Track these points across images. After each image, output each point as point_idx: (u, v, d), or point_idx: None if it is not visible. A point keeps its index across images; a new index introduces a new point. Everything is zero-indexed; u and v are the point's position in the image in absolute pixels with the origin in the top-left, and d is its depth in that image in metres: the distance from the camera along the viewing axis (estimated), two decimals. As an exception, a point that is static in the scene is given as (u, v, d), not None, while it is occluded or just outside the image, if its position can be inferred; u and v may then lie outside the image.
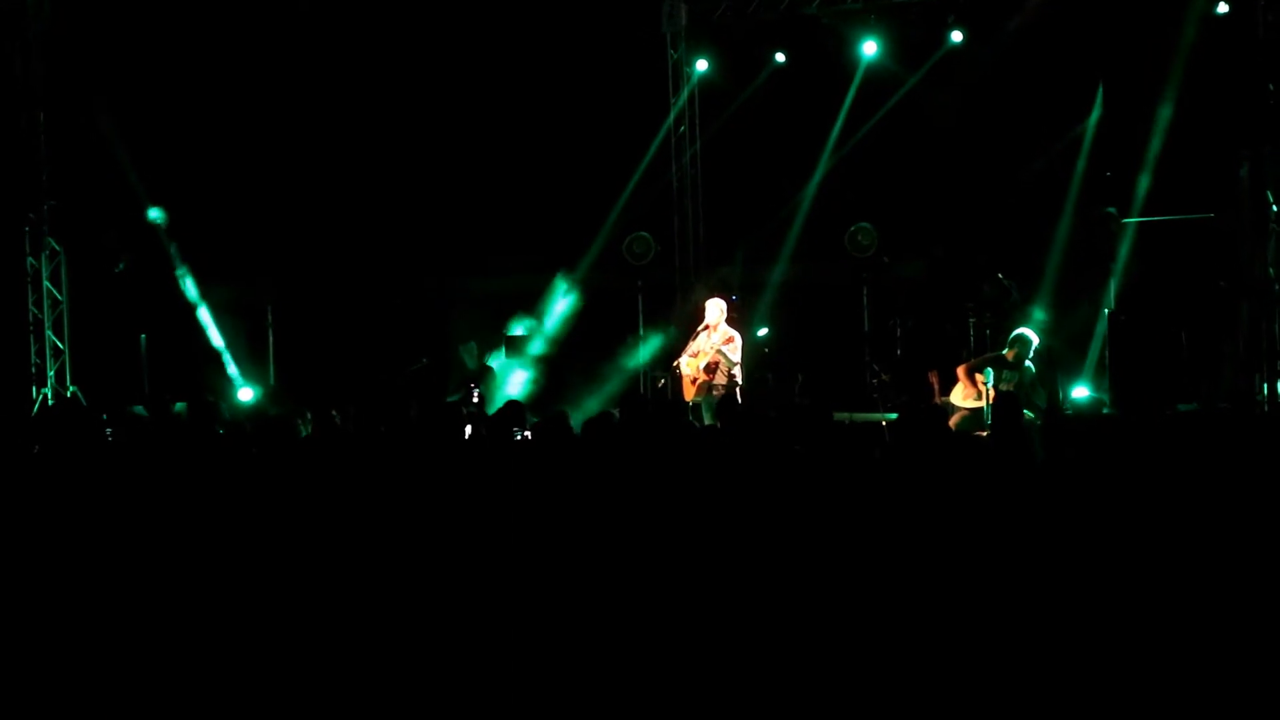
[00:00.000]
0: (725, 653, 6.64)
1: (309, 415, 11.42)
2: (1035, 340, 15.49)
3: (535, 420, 11.28)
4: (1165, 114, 17.10)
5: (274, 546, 7.81)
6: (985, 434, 13.84)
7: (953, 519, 7.24)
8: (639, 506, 7.61)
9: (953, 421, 14.99)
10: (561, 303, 19.19)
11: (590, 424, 9.45)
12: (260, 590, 7.52)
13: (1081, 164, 18.19)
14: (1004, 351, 15.58)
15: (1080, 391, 16.45)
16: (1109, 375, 16.40)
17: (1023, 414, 10.97)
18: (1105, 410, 15.34)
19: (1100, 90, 17.92)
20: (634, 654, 6.74)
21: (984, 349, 16.51)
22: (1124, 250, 17.37)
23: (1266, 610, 6.50)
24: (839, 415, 11.69)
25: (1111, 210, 17.58)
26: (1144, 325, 16.09)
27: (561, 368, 18.72)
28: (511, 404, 11.35)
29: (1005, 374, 15.23)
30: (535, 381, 18.46)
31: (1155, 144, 17.09)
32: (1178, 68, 16.97)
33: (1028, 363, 15.43)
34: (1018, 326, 15.89)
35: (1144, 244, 17.34)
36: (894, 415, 14.70)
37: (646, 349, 18.95)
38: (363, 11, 18.85)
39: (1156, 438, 8.86)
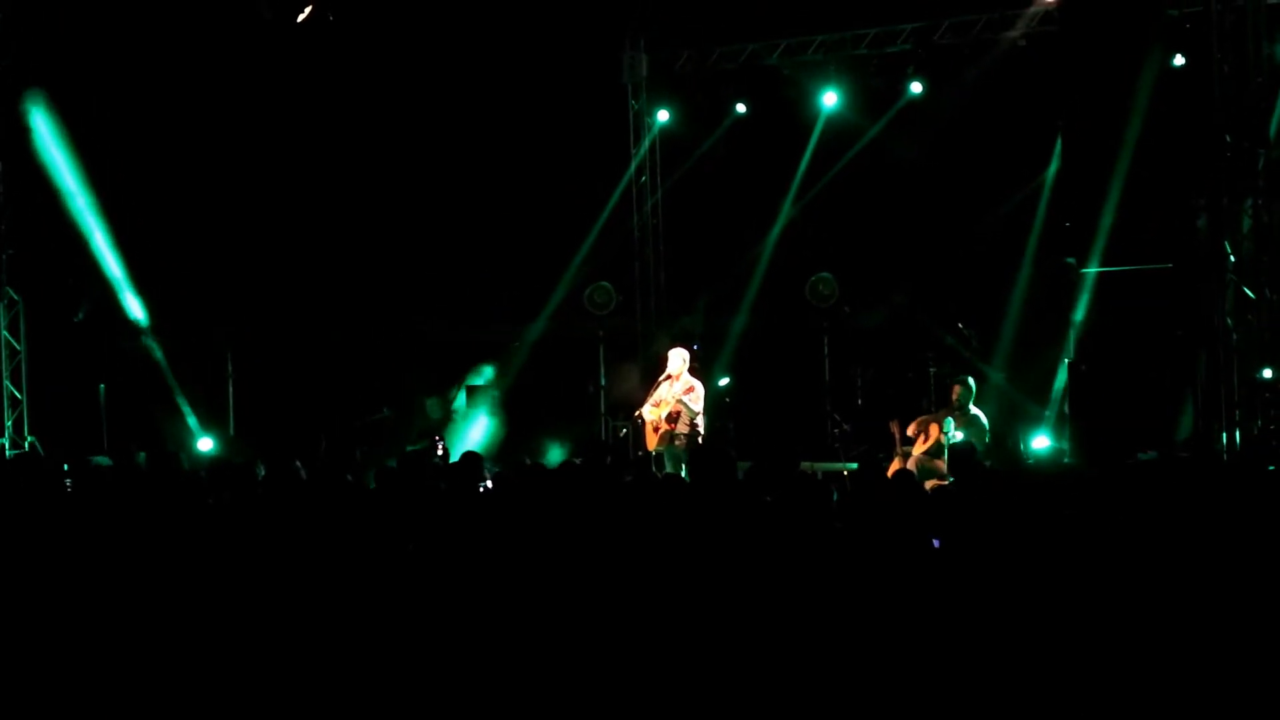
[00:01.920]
0: (696, 700, 6.62)
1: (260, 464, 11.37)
2: (974, 386, 15.60)
3: (497, 470, 11.26)
4: (1123, 165, 17.20)
5: (235, 596, 7.77)
6: (945, 482, 13.89)
7: (913, 569, 7.25)
8: (604, 556, 7.60)
9: (913, 467, 15.08)
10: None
11: (555, 473, 9.45)
12: (222, 639, 7.47)
13: (1040, 214, 18.30)
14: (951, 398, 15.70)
15: (1041, 441, 16.50)
16: (1069, 425, 16.45)
17: (980, 463, 11.00)
18: (1065, 460, 15.40)
19: (1059, 141, 18.04)
20: (605, 702, 6.72)
21: (945, 399, 16.56)
22: (1083, 300, 17.45)
23: (1227, 656, 6.52)
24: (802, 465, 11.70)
25: (1070, 260, 17.67)
26: (1103, 375, 16.16)
27: (523, 417, 18.70)
28: (469, 455, 11.31)
29: (950, 423, 15.31)
30: (496, 431, 18.46)
31: (1113, 195, 17.19)
32: (1135, 119, 17.08)
33: (976, 411, 15.51)
34: (977, 375, 15.98)
35: (1103, 294, 17.42)
36: (854, 465, 14.77)
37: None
38: (325, 60, 18.84)
39: (1117, 487, 8.89)
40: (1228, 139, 15.94)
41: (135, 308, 18.90)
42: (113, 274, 18.77)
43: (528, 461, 11.98)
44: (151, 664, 7.32)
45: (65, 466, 11.64)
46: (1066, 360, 16.99)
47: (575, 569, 7.60)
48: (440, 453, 16.65)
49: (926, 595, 6.96)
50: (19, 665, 7.37)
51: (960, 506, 8.43)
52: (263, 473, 10.45)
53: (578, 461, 10.30)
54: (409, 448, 17.31)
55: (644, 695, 6.74)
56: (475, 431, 18.50)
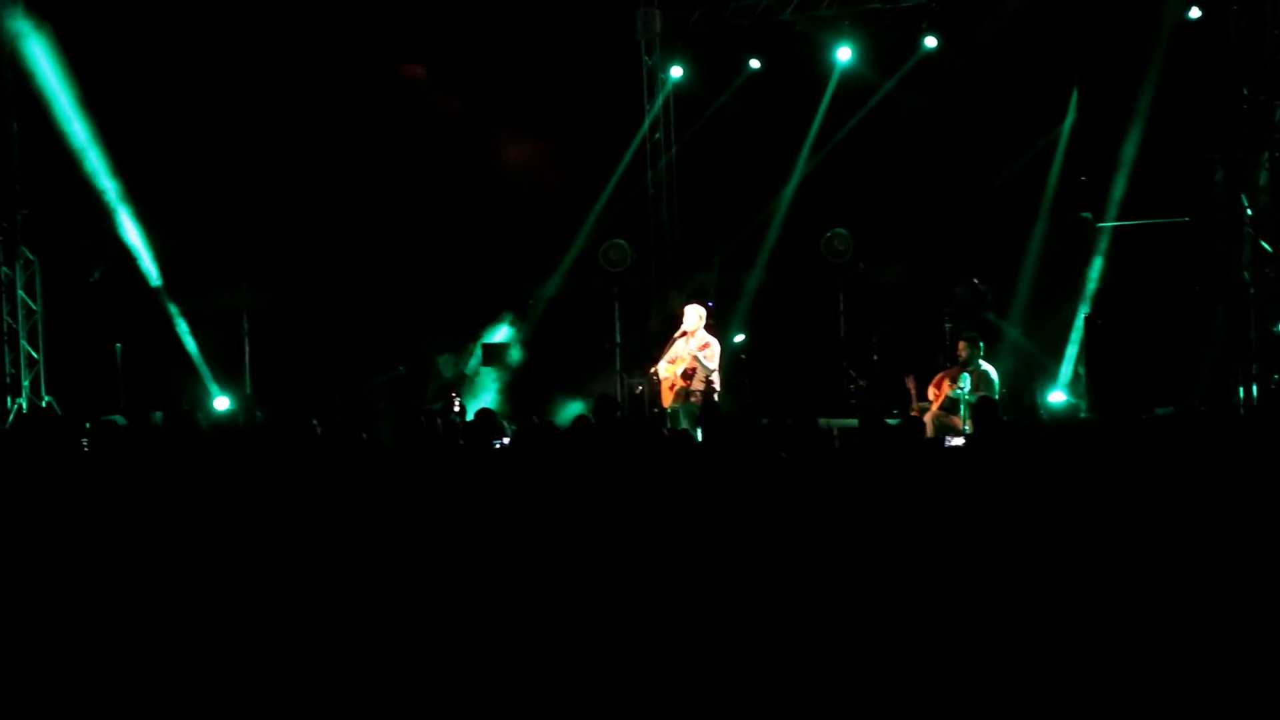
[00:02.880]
0: (710, 656, 6.64)
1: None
2: (981, 343, 15.62)
3: (514, 428, 11.27)
4: (1140, 119, 17.12)
5: (254, 554, 7.78)
6: (959, 438, 13.90)
7: (933, 523, 7.24)
8: (621, 513, 7.60)
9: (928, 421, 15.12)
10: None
11: (569, 430, 9.45)
12: (240, 597, 7.49)
13: (1056, 169, 18.22)
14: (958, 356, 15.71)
15: (1057, 396, 16.48)
16: (1085, 380, 16.42)
17: (1000, 418, 10.99)
18: (1082, 414, 15.38)
19: (1075, 95, 17.96)
20: (619, 659, 6.73)
21: (957, 352, 16.49)
22: (1099, 254, 17.40)
23: (1245, 610, 6.51)
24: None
25: (1087, 215, 17.61)
26: (1120, 329, 16.13)
27: (539, 374, 18.70)
28: (484, 412, 11.32)
29: (966, 378, 15.32)
30: (509, 389, 18.47)
31: (1130, 148, 17.12)
32: (1151, 73, 17.00)
33: (987, 367, 15.51)
34: (993, 331, 15.97)
35: (1119, 248, 17.37)
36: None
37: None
38: (337, 21, 18.79)
39: (1134, 441, 8.87)
40: (1245, 92, 15.87)
41: (151, 267, 18.88)
42: (128, 234, 18.75)
43: (536, 420, 11.98)
44: (168, 622, 7.35)
45: (87, 425, 11.64)
46: (1083, 315, 16.95)
47: (588, 526, 7.61)
48: (457, 410, 16.66)
49: (941, 551, 6.96)
50: (37, 622, 7.40)
51: (977, 458, 8.42)
52: (260, 418, 10.46)
53: (590, 418, 10.28)
54: (431, 406, 17.32)
55: (658, 651, 6.75)
56: (490, 388, 18.51)
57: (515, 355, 18.85)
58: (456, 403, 17.05)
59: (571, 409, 17.11)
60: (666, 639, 6.78)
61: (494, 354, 18.79)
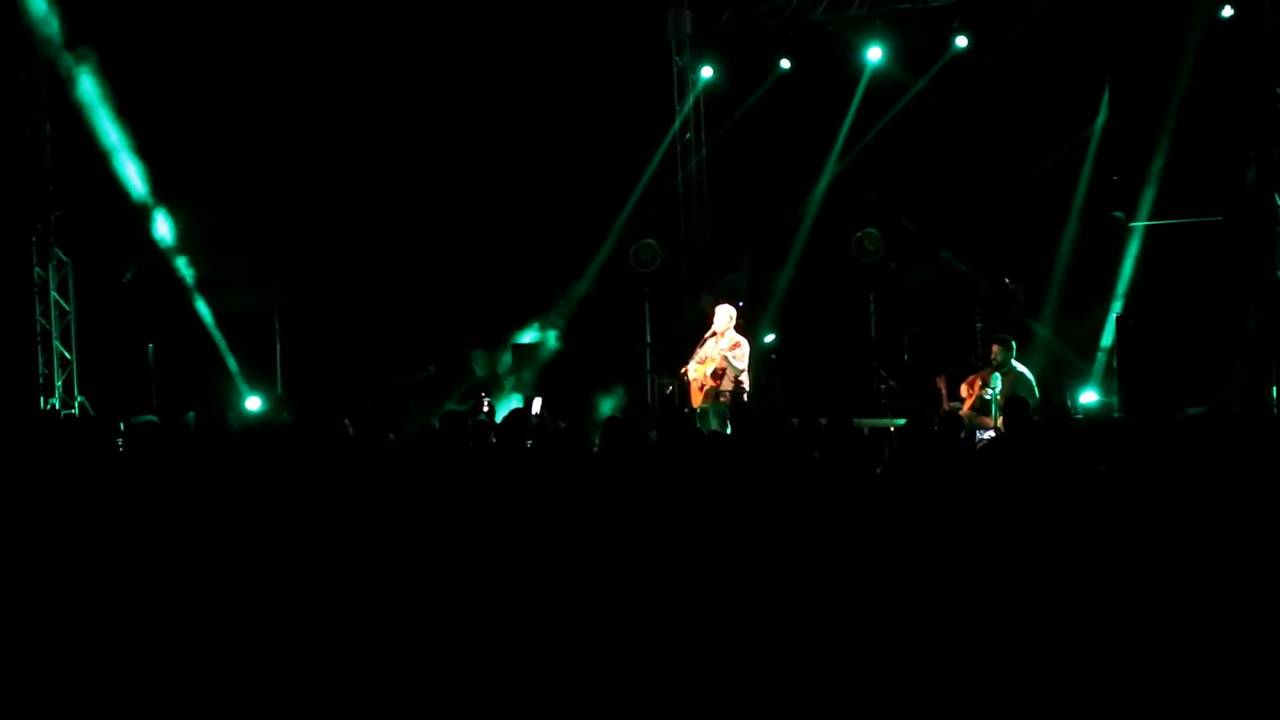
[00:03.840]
0: (737, 657, 6.63)
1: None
2: (1014, 344, 15.58)
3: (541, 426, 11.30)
4: (1171, 118, 17.08)
5: (284, 555, 7.81)
6: (989, 434, 13.88)
7: (964, 523, 7.23)
8: (653, 512, 7.60)
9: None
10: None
11: (603, 430, 9.45)
12: (271, 598, 7.52)
13: (1088, 168, 18.18)
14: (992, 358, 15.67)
15: (1088, 396, 16.44)
16: (1117, 379, 16.38)
17: (1031, 418, 10.98)
18: (1114, 414, 15.33)
19: (1106, 94, 17.92)
20: (645, 660, 6.74)
21: (990, 354, 16.48)
22: (1131, 254, 17.36)
23: (1276, 613, 6.49)
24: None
25: (1118, 214, 17.57)
26: (1152, 329, 16.08)
27: (568, 375, 18.72)
28: (516, 412, 11.34)
29: (997, 379, 15.28)
30: (539, 389, 18.49)
31: (1162, 148, 17.08)
32: (1183, 71, 16.96)
33: (1022, 368, 15.47)
34: (1024, 331, 15.94)
35: (1151, 248, 17.33)
36: (902, 421, 14.73)
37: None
38: (369, 19, 18.85)
39: (1166, 441, 8.84)
40: (1277, 90, 15.82)
41: (182, 266, 18.96)
42: (160, 235, 18.83)
43: (562, 425, 11.99)
44: (197, 622, 7.38)
45: (120, 426, 11.69)
46: (1114, 314, 16.91)
47: (615, 527, 7.61)
48: (486, 410, 16.69)
49: (975, 551, 6.95)
50: (71, 620, 7.44)
51: (1009, 457, 8.40)
52: (289, 420, 10.49)
53: (619, 418, 10.29)
54: (454, 406, 17.35)
55: (687, 651, 6.75)
56: (521, 389, 18.55)
57: (545, 354, 18.88)
58: (485, 402, 17.08)
59: (604, 408, 17.15)
60: (700, 641, 6.78)
61: (524, 355, 18.82)
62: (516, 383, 18.60)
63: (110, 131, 18.23)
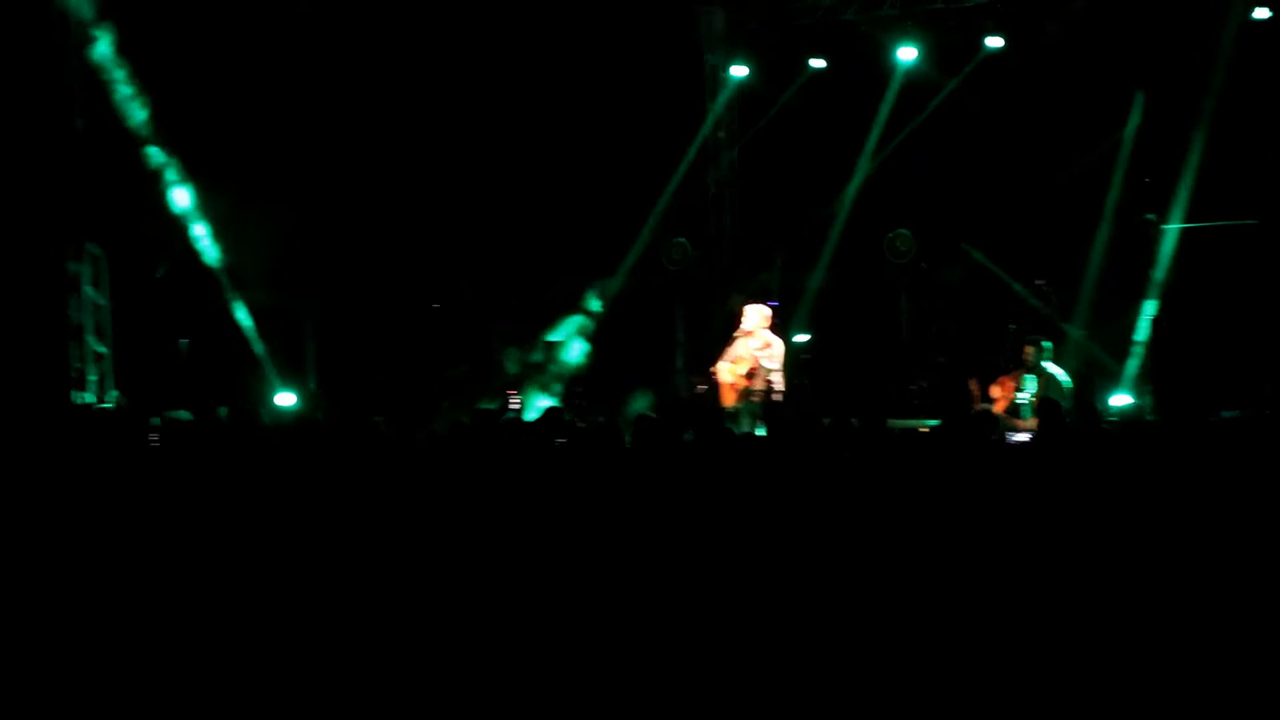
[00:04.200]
0: (771, 655, 6.64)
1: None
2: (1047, 346, 15.52)
3: (580, 426, 11.31)
4: (1205, 119, 17.03)
5: (316, 550, 7.83)
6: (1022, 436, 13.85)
7: (996, 524, 7.23)
8: (687, 513, 7.61)
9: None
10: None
11: (635, 428, 9.46)
12: (303, 593, 7.54)
13: (1121, 170, 18.12)
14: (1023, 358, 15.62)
15: (1121, 399, 16.40)
16: (1151, 382, 16.34)
17: (1064, 420, 10.94)
18: (1147, 417, 15.29)
19: (1139, 96, 17.86)
20: (679, 659, 6.74)
21: (1021, 356, 16.44)
22: (1165, 256, 17.31)
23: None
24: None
25: (1151, 216, 17.52)
26: (1185, 331, 16.05)
27: (600, 373, 18.70)
28: (552, 411, 11.35)
29: (1030, 380, 15.24)
30: (570, 387, 18.47)
31: (1195, 150, 17.03)
32: (1217, 73, 16.91)
33: (1056, 370, 15.42)
34: (1057, 332, 15.90)
35: (1185, 250, 17.28)
36: (933, 422, 14.71)
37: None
38: (402, 18, 18.88)
39: (1199, 444, 8.82)
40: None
41: (216, 262, 18.99)
42: (193, 230, 18.86)
43: (600, 419, 12.00)
44: (234, 613, 7.41)
45: (153, 420, 11.73)
46: (1148, 317, 16.86)
47: (648, 525, 7.62)
48: (514, 406, 16.70)
49: (1009, 553, 6.94)
50: (108, 613, 7.47)
51: (1042, 458, 8.40)
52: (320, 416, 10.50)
53: (651, 417, 10.28)
54: (482, 404, 17.36)
55: (721, 650, 6.76)
56: (552, 387, 18.55)
57: (578, 355, 18.87)
58: (514, 400, 17.07)
59: (634, 407, 17.13)
60: (733, 638, 6.79)
61: (555, 352, 18.81)
62: (547, 381, 18.56)
63: (143, 125, 18.27)
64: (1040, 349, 15.48)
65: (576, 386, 17.96)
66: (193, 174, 18.65)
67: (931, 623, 6.66)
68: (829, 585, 6.91)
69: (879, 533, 7.16)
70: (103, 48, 17.99)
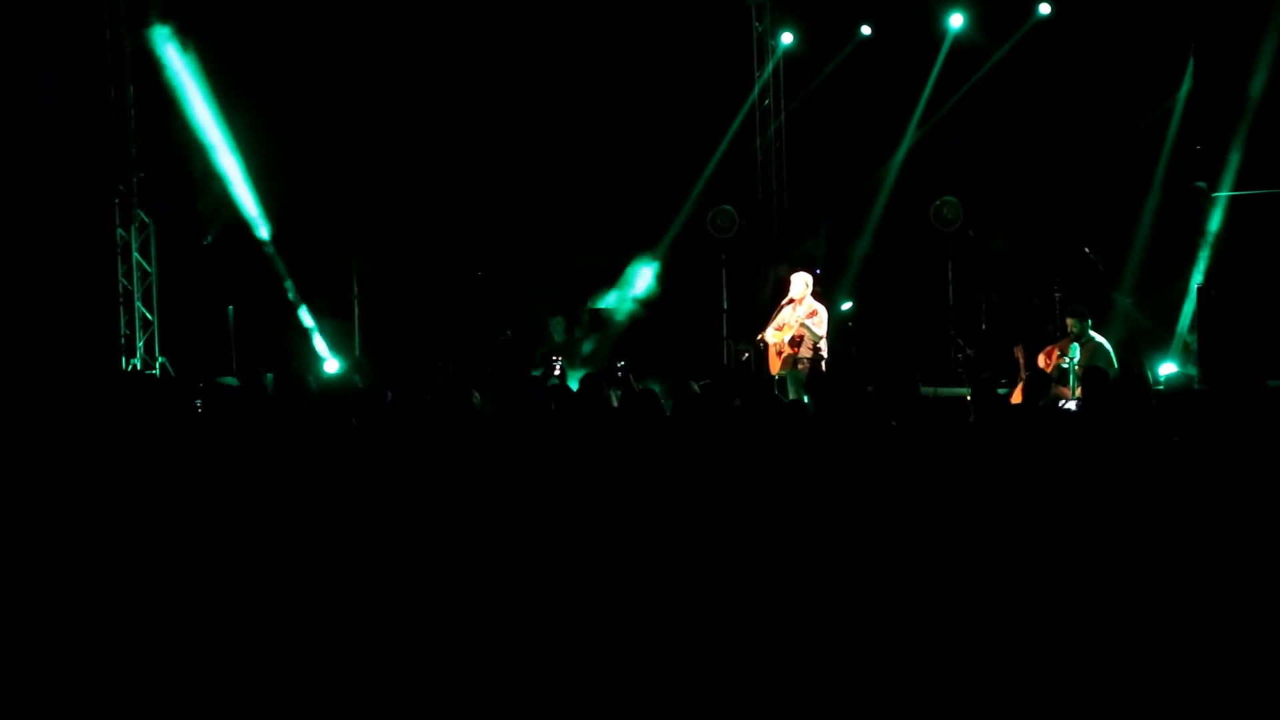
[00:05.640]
0: (821, 623, 6.64)
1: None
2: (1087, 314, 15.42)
3: (619, 393, 11.31)
4: (1257, 87, 16.90)
5: (366, 517, 7.86)
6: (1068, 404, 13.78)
7: (1043, 493, 7.21)
8: (731, 480, 7.60)
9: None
10: (645, 272, 19.17)
11: (679, 396, 9.46)
12: (349, 560, 7.57)
13: (1171, 137, 18.00)
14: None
15: (1168, 367, 16.31)
16: (1198, 350, 16.23)
17: (1110, 389, 10.90)
18: (1194, 386, 15.19)
19: (1191, 63, 17.73)
20: (725, 630, 6.75)
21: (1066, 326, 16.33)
22: (1214, 225, 17.19)
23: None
24: (924, 390, 11.64)
25: (1201, 184, 17.40)
26: (1234, 300, 15.93)
27: (646, 340, 18.70)
28: (589, 378, 11.34)
29: (1076, 348, 15.15)
30: (616, 355, 18.47)
31: (1247, 117, 16.89)
32: (1269, 40, 16.77)
33: (1100, 339, 15.33)
34: (1104, 301, 15.82)
35: (1234, 218, 17.15)
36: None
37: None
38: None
39: (1247, 413, 8.77)
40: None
41: (263, 230, 19.06)
42: (241, 198, 18.94)
43: (638, 387, 11.98)
44: (281, 579, 7.45)
45: (200, 386, 11.79)
46: (1196, 285, 16.76)
47: (695, 493, 7.62)
48: (558, 373, 16.71)
49: (1055, 520, 6.92)
50: (155, 574, 7.53)
51: (1088, 428, 8.36)
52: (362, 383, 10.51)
53: (696, 386, 10.27)
54: (532, 372, 17.38)
55: (771, 616, 6.75)
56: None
57: (621, 318, 18.88)
58: (558, 367, 17.08)
59: (679, 375, 17.09)
60: (784, 605, 6.79)
61: (601, 320, 18.82)
62: (593, 349, 18.58)
63: (193, 94, 18.35)
64: (1082, 318, 15.38)
65: (619, 355, 17.89)
66: (243, 142, 18.73)
67: (979, 590, 6.65)
68: (879, 553, 6.90)
69: (929, 500, 7.14)
70: (154, 17, 18.08)
